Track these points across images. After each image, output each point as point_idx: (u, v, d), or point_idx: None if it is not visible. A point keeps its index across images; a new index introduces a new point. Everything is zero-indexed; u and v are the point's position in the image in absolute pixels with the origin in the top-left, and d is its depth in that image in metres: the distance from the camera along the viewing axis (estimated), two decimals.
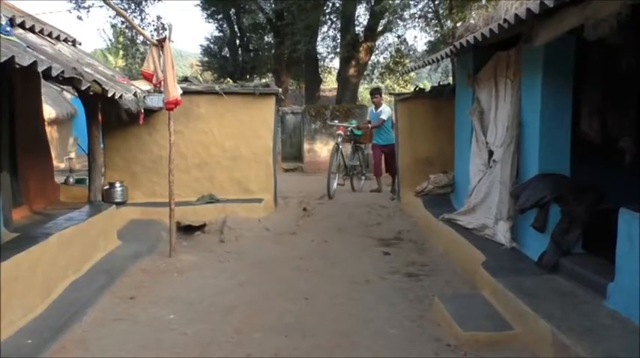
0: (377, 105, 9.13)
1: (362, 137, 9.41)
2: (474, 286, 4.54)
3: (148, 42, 5.66)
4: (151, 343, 3.53)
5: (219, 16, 20.32)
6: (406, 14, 16.17)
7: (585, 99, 4.83)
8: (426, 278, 4.98)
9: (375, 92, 9.35)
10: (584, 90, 4.82)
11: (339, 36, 17.33)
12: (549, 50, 4.34)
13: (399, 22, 16.68)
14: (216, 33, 21.48)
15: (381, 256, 5.74)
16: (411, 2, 15.58)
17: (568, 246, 4.10)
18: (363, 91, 32.36)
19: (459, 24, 12.41)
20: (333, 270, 5.23)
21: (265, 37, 21.02)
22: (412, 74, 21.02)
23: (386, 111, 9.00)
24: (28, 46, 4.23)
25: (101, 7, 19.86)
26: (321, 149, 13.38)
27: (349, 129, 9.32)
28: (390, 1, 14.63)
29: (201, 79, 18.90)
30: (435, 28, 16.43)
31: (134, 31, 17.15)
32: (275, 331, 3.72)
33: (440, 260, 5.51)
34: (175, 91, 5.39)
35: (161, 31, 5.51)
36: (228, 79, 18.93)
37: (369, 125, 9.11)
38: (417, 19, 16.59)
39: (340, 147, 8.93)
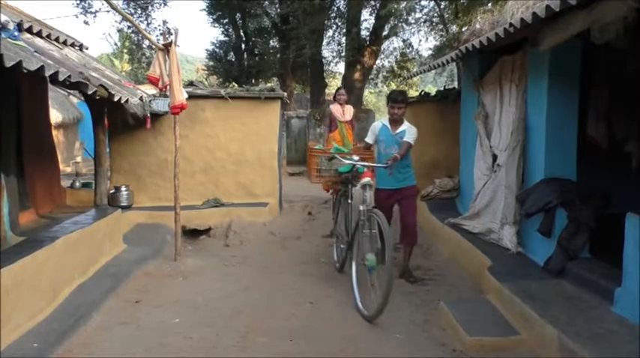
0: (397, 121, 5.02)
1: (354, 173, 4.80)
2: (479, 291, 4.52)
3: (154, 46, 5.69)
4: (156, 347, 3.53)
5: (225, 21, 20.39)
6: (411, 18, 16.16)
7: (592, 104, 4.82)
8: (432, 282, 4.96)
9: (400, 99, 5.01)
10: (591, 94, 4.80)
11: (344, 40, 17.35)
12: (555, 54, 4.33)
13: (405, 26, 16.67)
14: (222, 37, 21.53)
15: None
16: (417, 7, 15.59)
17: (575, 251, 4.08)
18: (369, 95, 32.39)
19: (464, 28, 12.42)
20: (339, 275, 5.22)
21: (271, 42, 21.06)
22: (415, 79, 21.00)
23: (412, 131, 5.01)
24: (35, 51, 4.27)
25: (108, 11, 20.00)
26: None
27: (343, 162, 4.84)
28: (395, 5, 14.62)
29: (206, 83, 18.99)
30: (441, 33, 16.42)
31: (140, 35, 17.24)
32: (280, 335, 3.72)
33: (445, 264, 5.49)
34: (181, 95, 5.42)
35: (167, 36, 5.54)
36: (234, 83, 18.98)
37: (391, 161, 4.67)
38: (422, 24, 16.59)
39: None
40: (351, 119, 7.76)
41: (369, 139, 5.20)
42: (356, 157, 4.78)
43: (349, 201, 4.89)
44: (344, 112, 7.72)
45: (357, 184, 4.48)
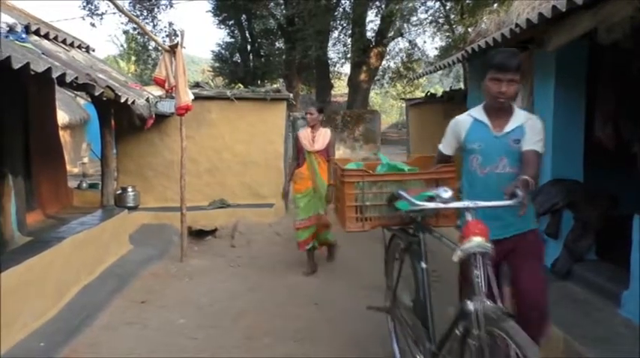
0: (503, 110, 2.55)
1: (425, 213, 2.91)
2: None
3: (160, 48, 5.71)
4: (161, 347, 3.54)
5: (231, 22, 20.47)
6: (415, 19, 16.18)
7: (598, 104, 4.78)
8: (436, 283, 4.93)
9: (515, 64, 2.40)
10: (598, 94, 4.77)
11: (349, 41, 17.36)
12: (562, 54, 4.31)
13: (410, 26, 16.68)
14: (228, 39, 21.63)
15: None
16: (422, 7, 15.60)
17: (581, 253, 4.05)
18: (374, 96, 32.36)
19: (470, 29, 12.39)
20: (344, 275, 5.21)
21: (276, 43, 21.13)
22: (422, 79, 21.00)
23: (537, 127, 2.54)
24: (42, 53, 4.30)
25: (114, 13, 20.13)
26: None
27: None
28: (397, 6, 14.63)
29: (212, 84, 19.05)
30: (447, 33, 16.40)
31: (146, 37, 17.33)
32: (285, 336, 3.72)
33: (450, 266, 5.44)
34: (187, 97, 5.43)
35: (173, 38, 5.57)
36: (240, 85, 19.03)
37: (520, 186, 2.18)
38: (428, 24, 16.59)
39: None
40: (326, 147, 5.17)
41: (445, 148, 2.99)
42: (447, 193, 2.47)
43: (423, 264, 2.88)
44: (314, 139, 5.18)
45: (453, 245, 2.47)
